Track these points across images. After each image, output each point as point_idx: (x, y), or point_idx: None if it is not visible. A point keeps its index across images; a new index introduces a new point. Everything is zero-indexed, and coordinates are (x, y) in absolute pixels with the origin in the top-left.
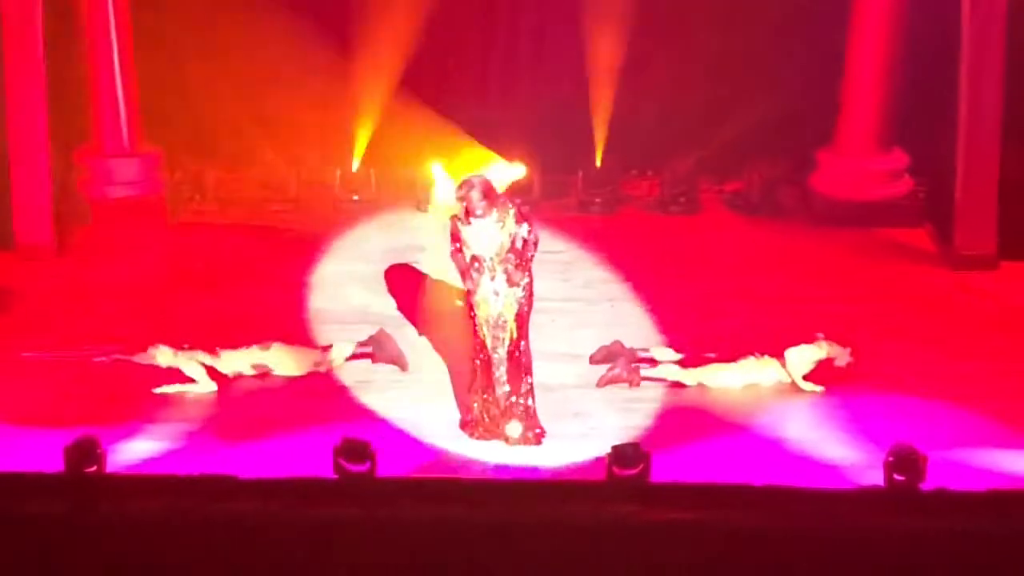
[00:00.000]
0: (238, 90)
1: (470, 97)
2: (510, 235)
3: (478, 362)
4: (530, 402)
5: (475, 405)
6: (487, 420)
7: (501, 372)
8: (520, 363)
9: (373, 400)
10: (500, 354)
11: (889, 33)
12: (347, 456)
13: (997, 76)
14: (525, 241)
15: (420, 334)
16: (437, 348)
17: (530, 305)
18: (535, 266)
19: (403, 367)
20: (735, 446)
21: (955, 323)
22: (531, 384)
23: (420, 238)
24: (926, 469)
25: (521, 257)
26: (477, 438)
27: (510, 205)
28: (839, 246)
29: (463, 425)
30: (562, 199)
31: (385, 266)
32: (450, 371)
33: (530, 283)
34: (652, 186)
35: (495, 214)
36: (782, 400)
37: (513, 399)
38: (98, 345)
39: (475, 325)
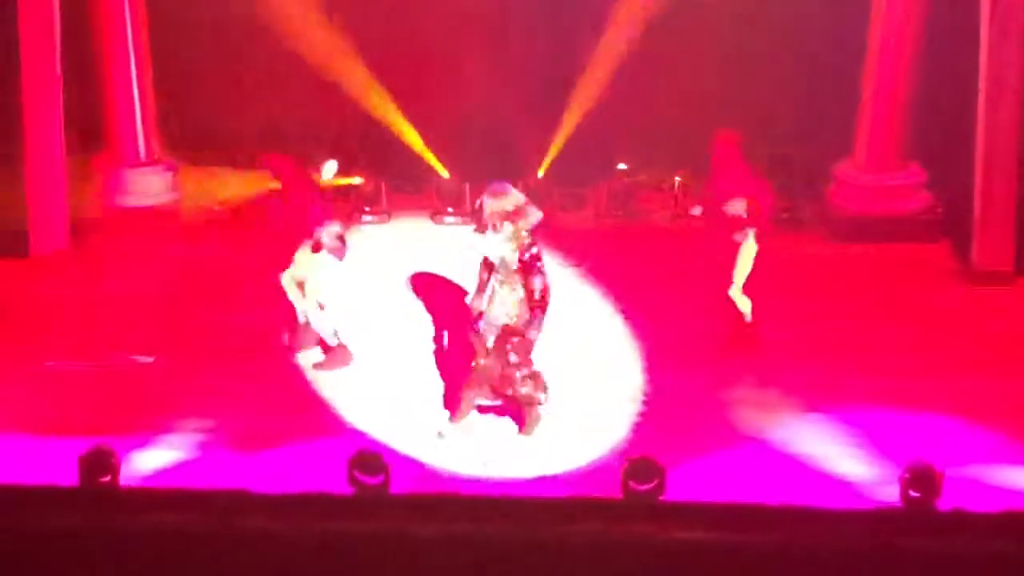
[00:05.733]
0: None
1: (483, 108)
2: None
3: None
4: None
5: (465, 404)
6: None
7: (489, 376)
8: (511, 373)
9: (384, 409)
10: (490, 361)
11: (907, 47)
12: (361, 469)
13: (1016, 90)
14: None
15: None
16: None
17: (531, 313)
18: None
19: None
20: (750, 461)
21: (972, 339)
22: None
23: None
24: (942, 486)
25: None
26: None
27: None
28: (856, 261)
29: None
30: (579, 211)
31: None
32: (447, 371)
33: (532, 292)
34: (667, 198)
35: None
36: (797, 416)
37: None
38: (112, 354)
39: (477, 330)
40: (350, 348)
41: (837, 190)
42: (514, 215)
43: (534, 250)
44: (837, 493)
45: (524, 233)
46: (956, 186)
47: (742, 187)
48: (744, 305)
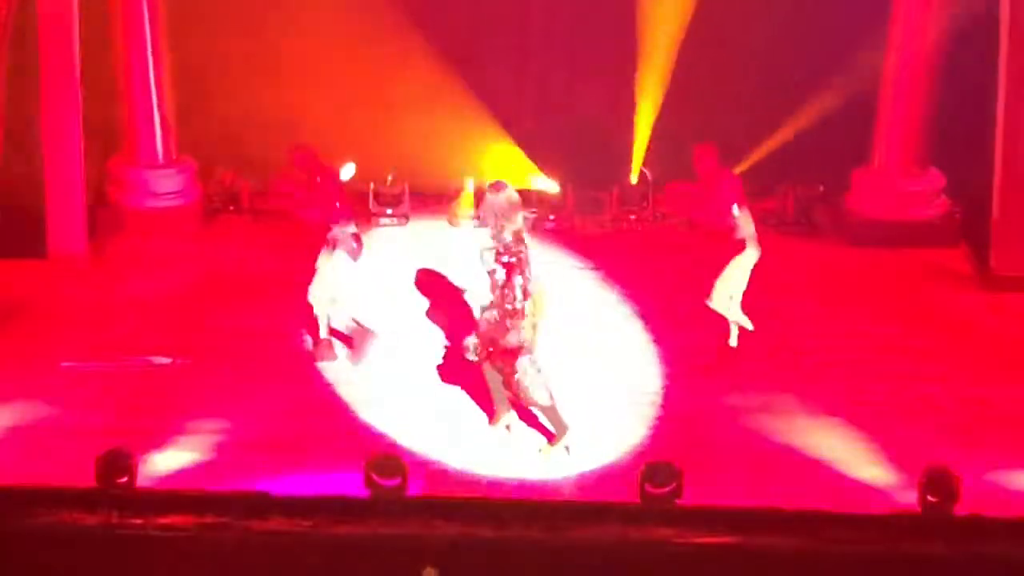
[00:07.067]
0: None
1: (506, 109)
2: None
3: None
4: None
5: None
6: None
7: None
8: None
9: (401, 410)
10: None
11: (926, 53)
12: (379, 471)
13: None
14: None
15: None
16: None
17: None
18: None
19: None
20: (768, 466)
21: (990, 344)
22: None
23: (450, 251)
24: (960, 491)
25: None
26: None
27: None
28: (874, 265)
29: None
30: (596, 215)
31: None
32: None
33: (504, 297)
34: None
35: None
36: (815, 420)
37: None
38: (130, 355)
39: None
40: (335, 346)
41: (855, 195)
42: (504, 212)
43: (516, 254)
44: (855, 498)
45: (507, 236)
46: (974, 191)
47: (720, 187)
48: (735, 320)
